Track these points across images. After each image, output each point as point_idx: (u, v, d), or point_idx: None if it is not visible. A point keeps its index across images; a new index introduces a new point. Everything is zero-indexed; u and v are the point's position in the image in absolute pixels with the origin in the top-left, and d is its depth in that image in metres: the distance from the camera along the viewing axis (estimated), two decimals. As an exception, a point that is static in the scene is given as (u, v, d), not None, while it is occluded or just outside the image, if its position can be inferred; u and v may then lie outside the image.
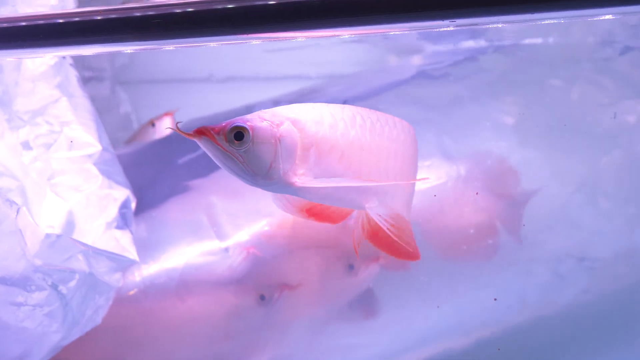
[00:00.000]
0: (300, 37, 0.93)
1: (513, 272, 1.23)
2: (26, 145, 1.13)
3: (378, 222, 0.73)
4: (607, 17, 1.04)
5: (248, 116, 0.68)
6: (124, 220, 1.10)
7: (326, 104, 0.74)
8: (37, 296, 0.96)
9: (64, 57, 1.18)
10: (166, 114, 1.39)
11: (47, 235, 0.95)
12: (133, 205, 1.14)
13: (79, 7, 1.10)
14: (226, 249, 1.17)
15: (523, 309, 1.25)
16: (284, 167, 0.69)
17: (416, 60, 1.35)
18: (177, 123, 0.72)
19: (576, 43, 1.32)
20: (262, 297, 1.16)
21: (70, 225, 1.09)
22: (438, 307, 1.23)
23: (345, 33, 0.91)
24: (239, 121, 0.67)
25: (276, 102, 1.37)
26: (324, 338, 1.21)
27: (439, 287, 1.23)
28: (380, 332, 1.23)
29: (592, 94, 1.31)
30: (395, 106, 1.28)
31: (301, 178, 0.69)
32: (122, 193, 1.11)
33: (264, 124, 0.68)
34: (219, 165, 0.69)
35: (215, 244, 1.20)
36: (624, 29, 1.29)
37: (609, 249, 1.27)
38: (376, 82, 1.35)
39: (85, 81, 1.46)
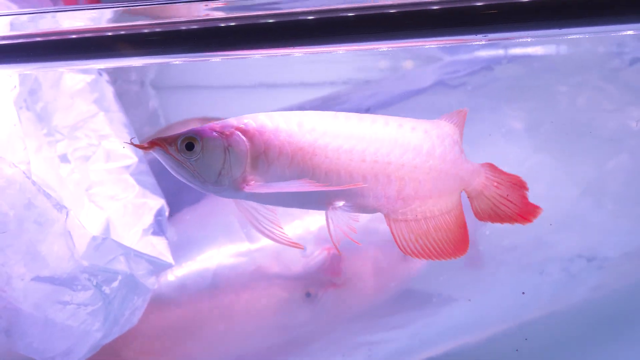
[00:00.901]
0: (339, 50, 0.99)
1: (528, 271, 1.29)
2: (64, 158, 1.19)
3: (333, 224, 0.77)
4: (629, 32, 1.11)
5: (199, 127, 0.74)
6: (159, 227, 1.15)
7: (294, 112, 0.79)
8: (82, 295, 1.00)
9: (100, 74, 1.23)
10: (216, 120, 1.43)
11: (94, 238, 1.01)
12: (167, 212, 1.19)
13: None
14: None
15: (537, 306, 1.31)
16: (233, 175, 0.74)
17: (434, 69, 1.40)
18: (132, 138, 0.78)
19: (587, 53, 1.37)
20: (309, 294, 1.22)
21: (108, 232, 1.14)
22: (457, 304, 1.29)
23: (383, 47, 0.98)
24: (190, 132, 0.73)
25: (300, 108, 1.42)
26: (352, 335, 1.27)
27: (457, 286, 1.29)
28: (402, 328, 1.29)
29: (600, 101, 1.37)
30: (415, 113, 1.33)
31: (250, 184, 0.75)
32: (157, 202, 1.17)
33: (213, 135, 0.74)
34: (172, 173, 0.74)
35: (245, 246, 1.26)
36: (633, 40, 1.34)
37: (617, 249, 1.32)
38: (396, 90, 1.40)
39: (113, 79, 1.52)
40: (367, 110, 1.36)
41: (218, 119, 1.04)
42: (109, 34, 0.96)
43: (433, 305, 1.28)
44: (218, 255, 1.25)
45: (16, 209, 0.95)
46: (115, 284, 1.04)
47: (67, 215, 0.98)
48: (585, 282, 1.31)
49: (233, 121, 0.77)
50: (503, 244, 1.29)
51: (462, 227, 0.82)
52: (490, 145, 1.33)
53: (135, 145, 0.74)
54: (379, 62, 1.54)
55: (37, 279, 0.97)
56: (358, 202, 0.78)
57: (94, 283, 1.01)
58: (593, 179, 1.34)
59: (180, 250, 1.24)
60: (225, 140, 0.74)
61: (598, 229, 1.32)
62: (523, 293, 1.27)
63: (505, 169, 1.30)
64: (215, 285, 1.24)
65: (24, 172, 0.97)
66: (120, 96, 1.50)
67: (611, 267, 1.32)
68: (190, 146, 0.73)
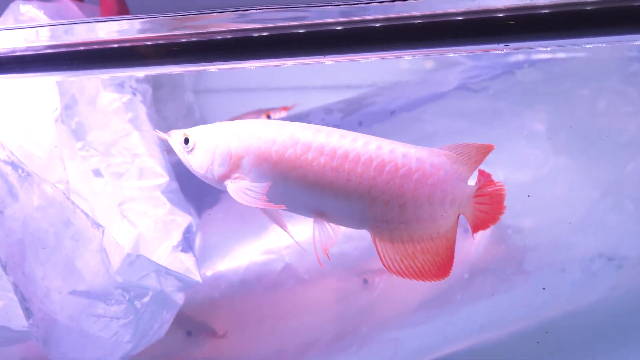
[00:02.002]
0: (368, 59, 1.03)
1: (548, 270, 1.32)
2: (97, 173, 1.24)
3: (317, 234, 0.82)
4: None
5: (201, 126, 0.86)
6: (187, 243, 1.20)
7: (293, 123, 0.86)
8: (116, 309, 1.05)
9: (134, 94, 1.28)
10: (283, 108, 1.47)
11: (128, 255, 1.05)
12: (194, 228, 1.23)
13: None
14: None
15: (557, 304, 1.34)
16: (218, 170, 0.84)
17: (456, 74, 1.44)
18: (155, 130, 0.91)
19: (607, 57, 1.39)
20: (365, 281, 1.26)
21: (139, 246, 1.19)
22: (480, 301, 1.32)
23: (410, 55, 1.02)
24: (189, 130, 0.85)
25: (327, 110, 1.47)
26: (379, 330, 1.31)
27: (479, 285, 1.32)
28: (427, 325, 1.32)
29: (620, 105, 1.40)
30: (439, 117, 1.38)
31: (234, 181, 0.83)
32: (185, 219, 1.22)
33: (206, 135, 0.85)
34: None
35: (275, 243, 1.30)
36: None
37: (635, 249, 1.34)
38: (420, 93, 1.43)
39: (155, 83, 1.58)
40: (392, 113, 1.40)
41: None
42: (148, 43, 1.01)
43: (457, 303, 1.31)
44: (248, 252, 1.29)
45: (56, 227, 1.01)
46: (146, 299, 1.09)
47: (103, 233, 1.03)
48: (605, 281, 1.34)
49: (228, 124, 0.87)
50: (525, 243, 1.32)
51: (450, 251, 0.83)
52: (511, 149, 1.36)
53: (159, 135, 0.88)
54: (400, 64, 1.57)
55: (74, 292, 1.02)
56: (345, 217, 0.83)
57: (127, 298, 1.06)
58: (612, 181, 1.36)
59: (211, 249, 1.29)
60: (214, 140, 0.85)
61: (617, 230, 1.35)
62: (543, 288, 1.29)
63: (526, 171, 1.34)
64: (245, 282, 1.28)
65: (63, 192, 1.02)
66: (161, 98, 1.57)
67: (630, 267, 1.34)
68: (186, 141, 0.85)
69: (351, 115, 1.41)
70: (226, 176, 0.85)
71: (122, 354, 1.09)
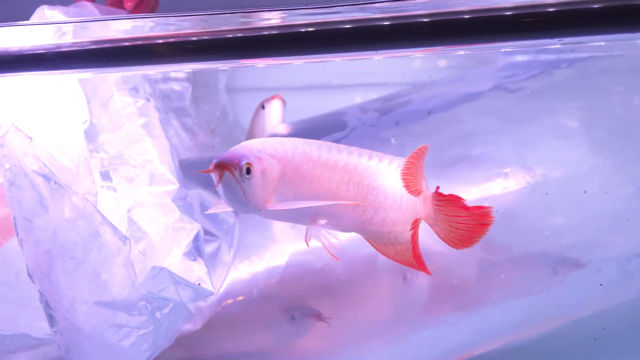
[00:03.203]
0: (417, 54, 1.04)
1: (585, 270, 1.32)
2: (106, 175, 1.24)
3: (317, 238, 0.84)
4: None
5: (244, 152, 0.79)
6: (198, 252, 1.20)
7: (291, 138, 0.85)
8: (138, 320, 1.05)
9: (148, 100, 1.28)
10: (274, 96, 1.48)
11: (153, 268, 1.06)
12: (202, 236, 1.24)
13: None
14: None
15: (594, 302, 1.35)
16: (264, 195, 0.80)
17: (492, 73, 1.44)
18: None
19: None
20: (405, 278, 1.27)
21: (147, 253, 1.19)
22: (514, 301, 1.32)
23: (459, 50, 1.02)
24: (244, 157, 0.78)
25: (363, 109, 1.47)
26: (415, 329, 1.31)
27: (515, 285, 1.32)
28: (463, 323, 1.33)
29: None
30: (475, 117, 1.38)
31: (270, 202, 0.80)
32: (194, 227, 1.21)
33: (262, 160, 0.80)
34: (224, 196, 0.80)
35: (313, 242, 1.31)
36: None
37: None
38: (456, 93, 1.44)
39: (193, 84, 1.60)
40: (429, 114, 1.40)
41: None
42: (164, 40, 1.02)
43: (493, 302, 1.32)
44: (286, 252, 1.30)
45: (84, 239, 1.01)
46: (166, 310, 1.09)
47: (130, 246, 1.04)
48: (641, 281, 1.33)
49: (258, 145, 0.82)
50: (562, 243, 1.32)
51: (414, 253, 0.85)
52: (547, 148, 1.36)
53: (206, 171, 0.79)
54: (438, 61, 1.58)
55: (99, 303, 1.02)
56: (337, 222, 0.85)
57: (149, 309, 1.06)
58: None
59: (249, 248, 1.30)
60: (262, 164, 0.80)
61: (654, 229, 1.34)
62: (601, 284, 1.29)
63: (562, 170, 1.34)
64: (283, 282, 1.29)
65: (93, 205, 1.03)
66: (197, 97, 1.59)
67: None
68: (248, 171, 0.78)
69: (388, 114, 1.42)
70: (267, 200, 0.81)
71: None
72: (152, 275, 1.06)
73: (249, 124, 1.58)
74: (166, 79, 1.65)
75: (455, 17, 0.91)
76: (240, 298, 1.27)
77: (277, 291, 1.28)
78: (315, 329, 1.29)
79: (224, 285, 1.26)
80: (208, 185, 1.35)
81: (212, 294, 1.17)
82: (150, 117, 1.27)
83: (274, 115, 1.51)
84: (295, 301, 1.29)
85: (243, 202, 0.80)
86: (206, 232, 1.28)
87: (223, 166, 0.78)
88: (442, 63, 1.59)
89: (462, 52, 1.18)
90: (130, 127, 1.25)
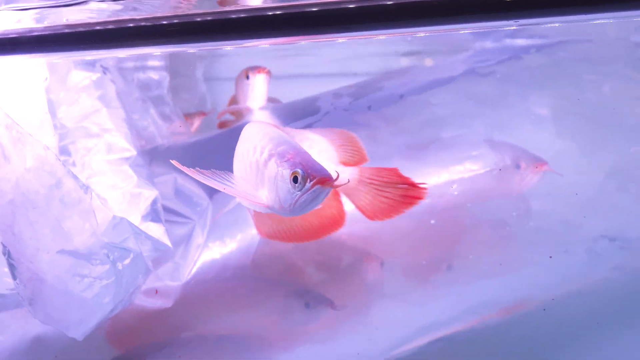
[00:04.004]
0: (380, 36, 1.06)
1: (553, 251, 1.34)
2: (64, 149, 1.26)
3: None
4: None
5: (316, 165, 0.84)
6: (156, 214, 1.23)
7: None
8: (99, 269, 1.08)
9: (104, 73, 1.31)
10: (260, 70, 1.48)
11: (114, 217, 1.09)
12: (159, 202, 1.26)
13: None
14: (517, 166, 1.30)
15: (561, 284, 1.36)
16: None
17: (464, 58, 1.46)
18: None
19: (614, 42, 1.41)
20: (382, 263, 1.30)
21: None
22: (487, 281, 1.35)
23: (419, 32, 1.05)
24: (324, 171, 0.83)
25: (337, 94, 1.49)
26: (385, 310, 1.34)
27: (485, 265, 1.35)
28: (433, 303, 1.35)
29: (626, 89, 1.43)
30: (447, 101, 1.41)
31: None
32: (152, 192, 1.24)
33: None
34: (306, 205, 0.84)
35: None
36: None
37: (639, 230, 1.37)
38: (428, 77, 1.46)
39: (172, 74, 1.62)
40: (401, 97, 1.42)
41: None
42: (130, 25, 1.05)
43: (463, 282, 1.35)
44: (256, 233, 1.32)
45: (46, 188, 1.03)
46: (127, 261, 1.12)
47: (91, 195, 1.07)
48: (609, 261, 1.36)
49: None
50: (530, 225, 1.34)
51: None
52: (517, 131, 1.39)
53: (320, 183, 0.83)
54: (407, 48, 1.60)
55: (62, 252, 1.05)
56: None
57: (111, 259, 1.09)
58: (618, 164, 1.38)
59: (222, 229, 1.32)
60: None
61: (621, 212, 1.37)
62: (550, 257, 1.32)
63: (531, 153, 1.37)
64: (255, 262, 1.31)
65: (55, 155, 1.05)
66: (176, 86, 1.61)
67: (633, 247, 1.36)
68: (296, 179, 0.84)
69: (360, 99, 1.44)
70: None
71: (102, 315, 1.11)
72: (113, 224, 1.09)
73: (234, 89, 1.59)
74: (145, 68, 1.67)
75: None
76: (212, 277, 1.29)
77: (249, 271, 1.30)
78: (289, 308, 1.31)
79: (197, 265, 1.28)
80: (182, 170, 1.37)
81: (170, 248, 1.20)
82: (106, 89, 1.30)
83: (257, 89, 1.51)
84: (267, 281, 1.31)
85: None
86: (180, 215, 1.31)
87: (326, 181, 0.83)
88: (415, 50, 1.61)
89: (422, 34, 1.20)
90: (87, 100, 1.28)
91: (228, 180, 0.89)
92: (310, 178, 0.82)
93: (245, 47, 1.08)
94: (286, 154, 0.86)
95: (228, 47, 1.22)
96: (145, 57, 1.61)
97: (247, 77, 1.51)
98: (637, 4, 0.85)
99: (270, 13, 0.99)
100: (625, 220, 1.38)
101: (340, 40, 1.04)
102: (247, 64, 1.62)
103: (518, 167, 1.34)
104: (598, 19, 0.90)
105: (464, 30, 1.19)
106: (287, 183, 0.84)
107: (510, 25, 0.89)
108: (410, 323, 1.35)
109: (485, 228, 1.34)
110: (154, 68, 1.68)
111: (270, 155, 0.87)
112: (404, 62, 1.57)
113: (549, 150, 1.37)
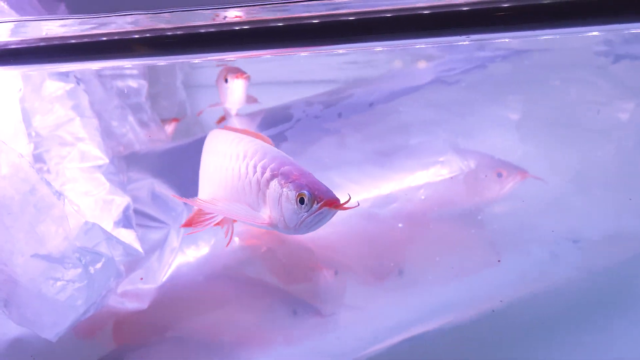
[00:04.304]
0: (341, 50, 1.11)
1: (515, 252, 1.39)
2: (39, 157, 1.31)
3: None
4: (594, 33, 1.22)
5: (322, 187, 0.85)
6: (127, 221, 1.26)
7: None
8: (72, 273, 1.11)
9: (78, 83, 1.35)
10: (238, 75, 1.45)
11: (86, 223, 1.12)
12: (131, 209, 1.30)
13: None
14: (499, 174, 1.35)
15: (524, 284, 1.41)
16: None
17: (431, 68, 1.51)
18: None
19: (575, 52, 1.47)
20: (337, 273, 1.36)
21: None
22: (448, 283, 1.39)
23: (378, 47, 1.10)
24: (330, 193, 0.84)
25: (308, 102, 1.54)
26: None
27: (448, 266, 1.38)
28: (399, 304, 1.39)
29: (588, 95, 1.47)
30: (414, 108, 1.45)
31: None
32: (124, 199, 1.28)
33: None
34: (313, 224, 0.86)
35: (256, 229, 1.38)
36: (618, 38, 1.45)
37: (598, 232, 1.42)
38: (397, 86, 1.51)
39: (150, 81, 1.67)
40: (371, 105, 1.47)
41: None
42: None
43: (428, 283, 1.39)
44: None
45: (20, 194, 1.07)
46: (99, 265, 1.15)
47: (63, 202, 1.10)
48: (569, 262, 1.41)
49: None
50: (493, 227, 1.39)
51: None
52: (482, 137, 1.44)
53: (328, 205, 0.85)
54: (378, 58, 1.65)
55: (36, 255, 1.08)
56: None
57: (83, 262, 1.12)
58: (579, 167, 1.43)
59: (196, 234, 1.36)
60: None
61: (581, 214, 1.42)
62: (499, 261, 1.37)
63: (496, 157, 1.42)
64: (227, 267, 1.36)
65: (29, 162, 1.09)
66: (155, 94, 1.66)
67: (593, 249, 1.41)
68: (302, 200, 0.85)
69: (331, 107, 1.49)
70: None
71: (74, 317, 1.14)
72: (85, 229, 1.12)
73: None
74: (124, 76, 1.71)
75: (378, 15, 0.98)
76: (186, 280, 1.34)
77: (221, 274, 1.35)
78: (260, 310, 1.36)
79: (172, 268, 1.33)
80: (159, 175, 1.42)
81: (141, 254, 1.23)
82: (79, 99, 1.34)
83: (235, 93, 1.48)
84: (239, 284, 1.36)
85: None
86: (156, 219, 1.35)
87: (336, 204, 0.84)
88: (385, 60, 1.65)
89: (380, 48, 1.25)
90: (61, 109, 1.31)
91: (229, 205, 0.90)
92: (317, 200, 0.83)
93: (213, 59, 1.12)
94: (290, 175, 0.86)
95: (196, 60, 1.27)
96: (123, 65, 1.66)
97: (226, 81, 1.49)
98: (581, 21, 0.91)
99: (237, 28, 1.03)
100: (586, 222, 1.42)
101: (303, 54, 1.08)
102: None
103: (500, 175, 1.38)
104: (546, 34, 0.95)
105: (418, 45, 1.24)
106: (293, 204, 0.84)
107: (463, 40, 0.94)
108: (377, 324, 1.39)
109: (449, 230, 1.39)
110: (132, 76, 1.72)
111: (273, 175, 0.87)
112: (375, 71, 1.62)
113: (513, 155, 1.42)
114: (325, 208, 0.83)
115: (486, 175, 1.38)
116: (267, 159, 0.89)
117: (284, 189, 0.85)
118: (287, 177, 0.86)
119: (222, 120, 1.53)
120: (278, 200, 0.86)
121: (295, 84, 1.66)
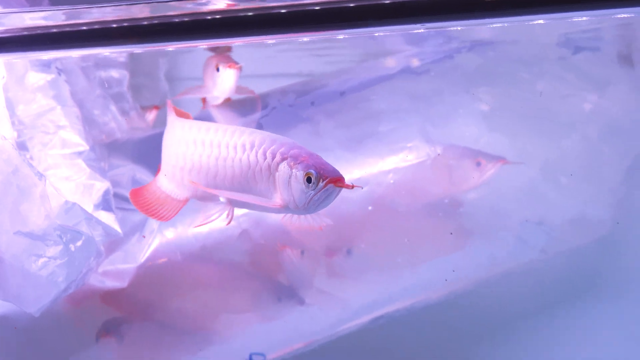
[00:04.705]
0: (305, 38, 1.16)
1: (483, 236, 1.45)
2: (22, 145, 1.35)
3: None
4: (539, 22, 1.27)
5: (328, 166, 0.92)
6: (107, 204, 1.32)
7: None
8: (54, 250, 1.16)
9: (59, 74, 1.40)
10: (231, 64, 1.44)
11: (66, 202, 1.19)
12: (111, 193, 1.35)
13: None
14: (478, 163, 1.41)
15: (492, 266, 1.47)
16: None
17: (401, 59, 1.57)
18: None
19: (542, 44, 1.52)
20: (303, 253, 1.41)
21: None
22: (419, 265, 1.45)
23: (341, 35, 1.15)
24: (336, 172, 0.91)
25: (283, 92, 1.59)
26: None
27: (419, 249, 1.44)
28: (372, 285, 1.45)
29: (555, 86, 1.52)
30: (384, 97, 1.51)
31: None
32: (104, 184, 1.33)
33: None
34: (321, 202, 0.92)
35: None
36: (577, 33, 1.50)
37: (563, 217, 1.48)
38: (368, 76, 1.56)
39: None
40: (342, 94, 1.52)
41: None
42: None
43: (399, 265, 1.44)
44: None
45: (4, 174, 1.12)
46: (79, 243, 1.20)
47: (45, 182, 1.16)
48: (535, 245, 1.47)
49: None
50: (460, 211, 1.45)
51: None
52: (450, 125, 1.49)
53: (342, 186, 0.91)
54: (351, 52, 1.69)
55: (18, 233, 1.13)
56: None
57: (64, 240, 1.17)
58: (547, 156, 1.49)
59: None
60: None
61: (547, 200, 1.48)
62: (467, 242, 1.42)
63: (461, 144, 1.47)
64: (205, 247, 1.41)
65: (12, 144, 1.15)
66: (138, 85, 1.70)
67: (558, 233, 1.47)
68: (309, 179, 0.91)
69: (304, 96, 1.54)
70: None
71: (56, 293, 1.19)
72: (65, 209, 1.18)
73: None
74: (106, 66, 1.76)
75: (341, 5, 1.04)
76: (164, 260, 1.39)
77: (199, 255, 1.40)
78: (236, 290, 1.42)
79: (150, 249, 1.38)
80: (140, 161, 1.47)
81: (120, 234, 1.28)
82: (60, 89, 1.39)
83: (226, 83, 1.46)
84: (216, 264, 1.41)
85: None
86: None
87: (340, 182, 0.90)
88: (358, 54, 1.70)
89: (342, 36, 1.30)
90: (43, 99, 1.37)
91: (242, 196, 0.96)
92: (322, 178, 0.89)
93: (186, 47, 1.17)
94: (299, 157, 0.92)
95: (170, 47, 1.32)
96: (106, 55, 1.70)
97: (218, 70, 1.47)
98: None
99: (209, 17, 1.09)
100: (552, 207, 1.48)
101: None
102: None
103: (479, 164, 1.42)
104: (493, 23, 1.01)
105: (377, 33, 1.29)
106: (301, 183, 0.90)
107: (418, 28, 1.00)
108: (348, 304, 1.45)
109: (417, 214, 1.44)
110: (114, 66, 1.77)
111: (283, 158, 0.93)
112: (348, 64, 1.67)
113: (480, 143, 1.46)
114: (331, 185, 0.89)
115: (458, 162, 1.43)
116: (276, 145, 0.94)
117: (293, 170, 0.91)
118: (295, 159, 0.92)
119: (205, 104, 1.56)
120: (288, 182, 0.92)
121: (270, 77, 1.70)
